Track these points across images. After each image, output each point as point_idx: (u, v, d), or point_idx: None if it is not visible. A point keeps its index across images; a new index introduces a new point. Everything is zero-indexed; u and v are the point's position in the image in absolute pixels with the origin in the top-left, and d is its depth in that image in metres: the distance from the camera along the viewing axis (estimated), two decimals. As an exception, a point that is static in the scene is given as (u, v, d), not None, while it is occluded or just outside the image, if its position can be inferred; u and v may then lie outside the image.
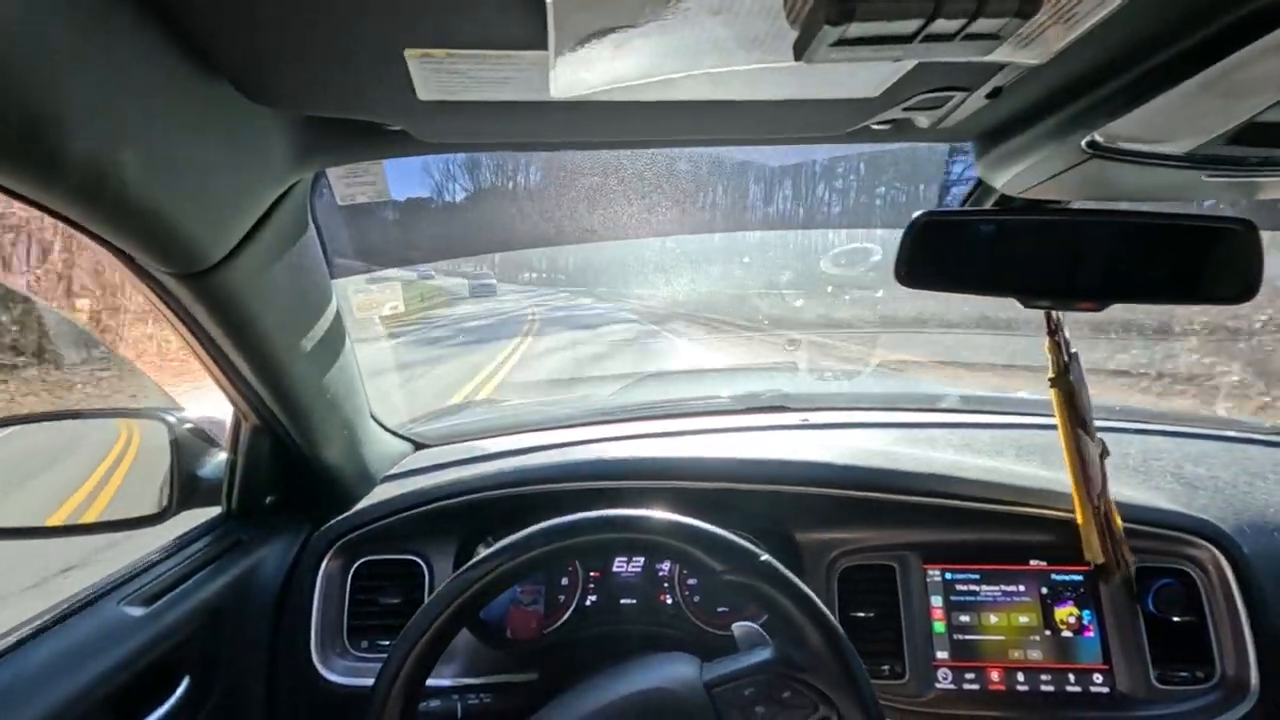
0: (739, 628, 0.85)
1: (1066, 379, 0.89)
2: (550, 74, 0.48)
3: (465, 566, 0.73)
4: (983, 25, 0.41)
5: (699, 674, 0.77)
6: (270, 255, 0.77)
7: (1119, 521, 0.95)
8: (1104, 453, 0.91)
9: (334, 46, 0.50)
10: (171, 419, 1.03)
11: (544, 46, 0.45)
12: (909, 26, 0.41)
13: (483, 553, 0.74)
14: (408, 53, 0.49)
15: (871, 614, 1.08)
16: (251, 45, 0.50)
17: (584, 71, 0.48)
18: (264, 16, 0.46)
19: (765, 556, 0.72)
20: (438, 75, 0.53)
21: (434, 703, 1.01)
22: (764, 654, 0.75)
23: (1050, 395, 0.92)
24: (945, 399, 1.65)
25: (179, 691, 0.87)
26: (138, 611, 0.84)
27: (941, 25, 0.41)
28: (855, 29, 0.41)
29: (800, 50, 0.45)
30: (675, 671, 0.79)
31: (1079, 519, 0.97)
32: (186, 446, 1.05)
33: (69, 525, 0.99)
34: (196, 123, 0.55)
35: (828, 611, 0.72)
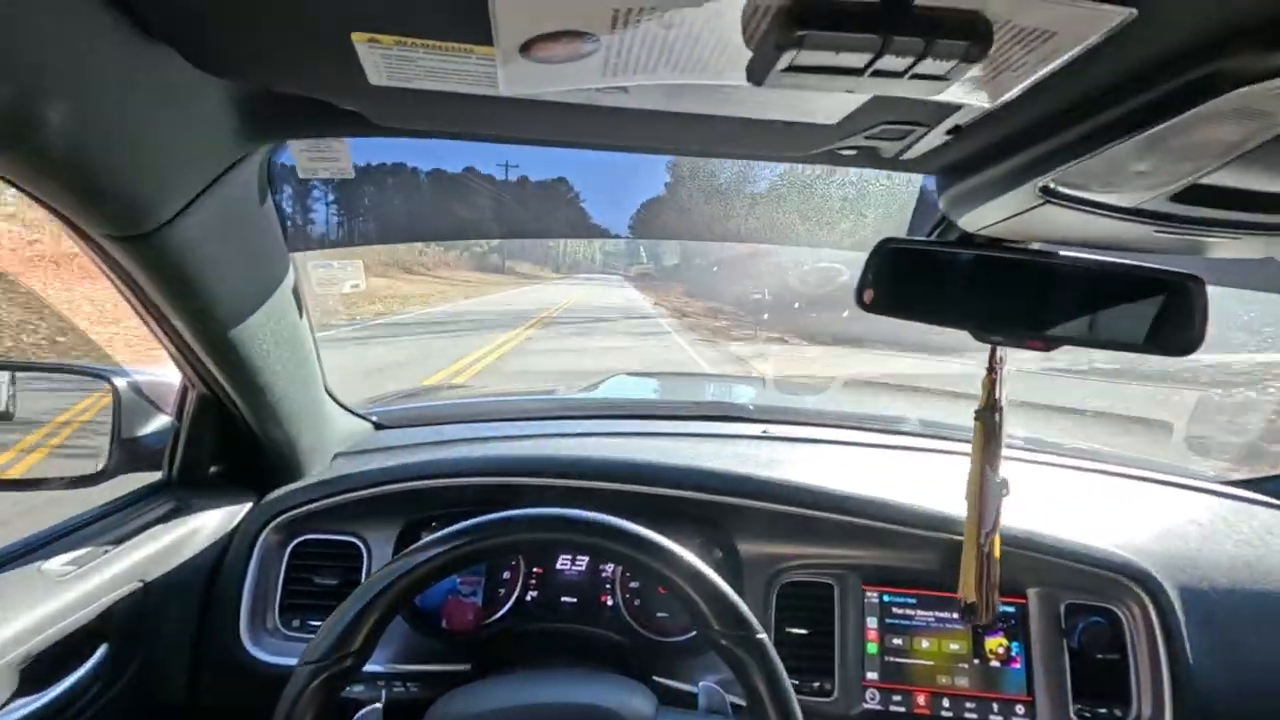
0: (705, 688, 0.88)
1: (991, 416, 0.91)
2: (498, 71, 0.48)
3: (412, 547, 0.73)
4: (930, 66, 0.42)
5: (653, 714, 0.78)
6: (218, 224, 0.75)
7: (998, 567, 0.96)
8: (1005, 491, 0.92)
9: (280, 23, 0.49)
10: (116, 378, 1.01)
11: (492, 43, 0.44)
12: (858, 60, 0.41)
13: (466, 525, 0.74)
14: (354, 36, 0.49)
15: (807, 630, 1.08)
16: (190, 13, 0.48)
17: (532, 72, 0.47)
18: None
19: (762, 635, 0.72)
20: (387, 61, 0.52)
21: (357, 688, 1.00)
22: None
23: (973, 425, 0.94)
24: (906, 423, 1.66)
25: (94, 659, 0.85)
26: (60, 574, 0.82)
27: (890, 62, 0.41)
28: (805, 57, 0.41)
29: (753, 73, 0.45)
30: (631, 701, 0.80)
31: (964, 554, 0.97)
32: (130, 408, 1.03)
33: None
34: (134, 85, 0.54)
35: (799, 711, 0.72)
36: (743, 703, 0.74)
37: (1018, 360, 0.94)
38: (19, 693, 0.75)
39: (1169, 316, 0.81)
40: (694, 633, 1.09)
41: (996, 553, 0.94)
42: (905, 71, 0.42)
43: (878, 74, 0.43)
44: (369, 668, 1.03)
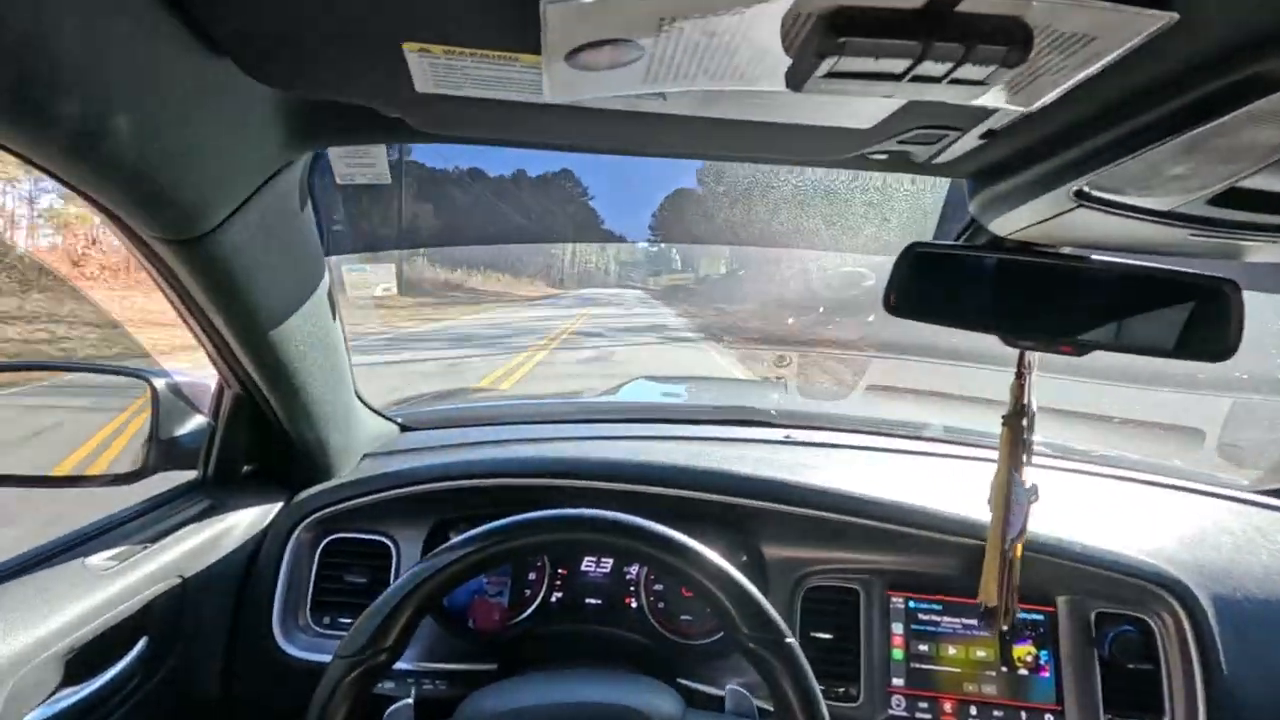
0: (733, 691, 0.88)
1: (1018, 422, 0.90)
2: (544, 78, 0.49)
3: (444, 547, 0.74)
4: (969, 71, 0.42)
5: (681, 716, 0.79)
6: (261, 229, 0.77)
7: (1018, 572, 0.96)
8: (1034, 497, 0.92)
9: (333, 34, 0.50)
10: (153, 378, 1.03)
11: (539, 51, 0.45)
12: (898, 65, 0.42)
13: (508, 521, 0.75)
14: (405, 46, 0.50)
15: (832, 635, 1.08)
16: (251, 26, 0.50)
17: (577, 79, 0.48)
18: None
19: (790, 639, 0.72)
20: (435, 69, 0.53)
21: (388, 684, 1.02)
22: None
23: (1000, 431, 0.93)
24: (930, 428, 1.65)
25: (135, 651, 0.87)
26: (101, 569, 0.84)
27: (929, 67, 0.42)
28: (845, 63, 0.42)
29: (792, 79, 0.45)
30: (658, 702, 0.81)
31: (986, 558, 0.97)
32: (167, 407, 1.06)
33: (39, 476, 0.99)
34: (192, 94, 0.56)
35: (827, 715, 0.72)
36: (770, 707, 0.74)
37: (1044, 366, 0.94)
38: (64, 683, 0.77)
39: (1204, 322, 0.80)
40: (718, 635, 1.09)
41: (1018, 562, 0.94)
42: (944, 77, 0.43)
43: (916, 79, 0.43)
44: (398, 665, 1.05)
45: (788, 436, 1.44)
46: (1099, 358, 0.86)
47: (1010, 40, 0.40)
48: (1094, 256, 0.83)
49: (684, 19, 0.41)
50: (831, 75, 0.43)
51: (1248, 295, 0.81)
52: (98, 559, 0.86)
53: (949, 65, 0.41)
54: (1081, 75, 0.46)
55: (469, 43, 0.49)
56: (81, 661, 0.79)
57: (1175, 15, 0.39)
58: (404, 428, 1.45)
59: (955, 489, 1.18)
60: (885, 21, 0.39)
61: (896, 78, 0.43)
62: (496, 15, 0.46)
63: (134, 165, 0.56)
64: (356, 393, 1.27)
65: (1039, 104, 0.50)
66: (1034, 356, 0.90)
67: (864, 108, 0.59)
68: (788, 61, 0.45)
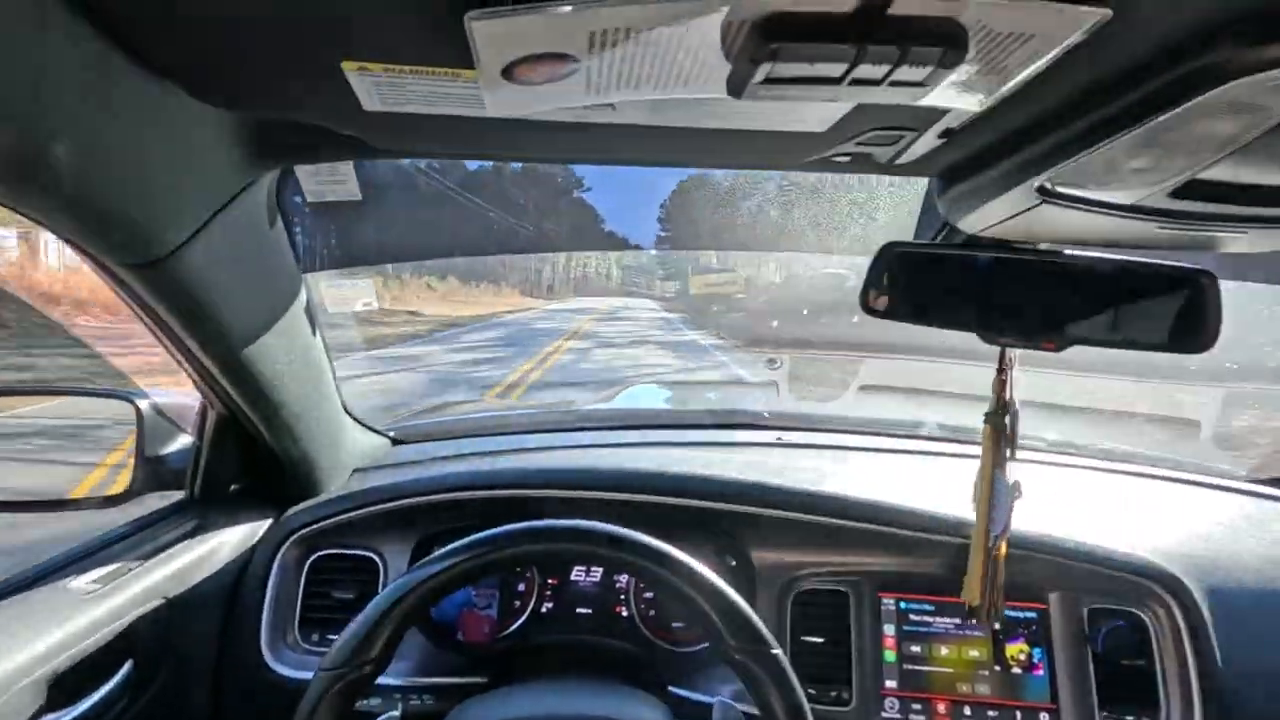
0: (720, 704, 0.88)
1: (1001, 419, 0.90)
2: (484, 94, 0.49)
3: (428, 558, 0.74)
4: (908, 73, 0.42)
5: None
6: (227, 250, 0.77)
7: (1002, 570, 0.95)
8: (1017, 494, 0.91)
9: (271, 55, 0.51)
10: (137, 400, 1.04)
11: (475, 67, 0.45)
12: (834, 69, 0.42)
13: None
14: (345, 65, 0.50)
15: (823, 639, 1.07)
16: (190, 49, 0.50)
17: (516, 94, 0.48)
18: (198, 21, 0.46)
19: (776, 650, 0.71)
20: (378, 88, 0.53)
21: (374, 701, 1.01)
22: None
23: (983, 428, 0.93)
24: (925, 427, 1.64)
25: (119, 676, 0.87)
26: (85, 592, 0.84)
27: (866, 70, 0.41)
28: (781, 69, 0.42)
29: (732, 85, 0.45)
30: (644, 713, 0.82)
31: (970, 557, 0.97)
32: (152, 428, 1.06)
33: (26, 500, 1.00)
34: (136, 118, 0.56)
35: None
36: (757, 712, 0.73)
37: (1033, 360, 0.93)
38: (45, 709, 0.76)
39: (1181, 313, 0.80)
40: (710, 643, 1.09)
41: (1003, 560, 0.93)
42: (883, 79, 0.42)
43: (856, 82, 0.43)
44: (386, 681, 1.04)
45: (779, 439, 1.43)
46: (1091, 352, 0.85)
47: (944, 41, 0.40)
48: (1069, 251, 0.82)
49: (616, 31, 0.41)
50: (770, 81, 0.43)
51: (1238, 285, 0.81)
52: (81, 581, 0.86)
53: (887, 67, 0.41)
54: (1026, 73, 0.45)
55: (406, 60, 0.49)
56: (64, 687, 0.79)
57: (1109, 11, 0.39)
58: (395, 441, 1.45)
59: (949, 488, 1.16)
60: (817, 26, 0.39)
61: (835, 81, 0.43)
62: (427, 33, 0.46)
63: (85, 193, 0.56)
64: (345, 408, 1.27)
65: (990, 102, 0.50)
66: (1015, 353, 0.90)
67: (815, 111, 0.59)
68: (728, 68, 0.45)
